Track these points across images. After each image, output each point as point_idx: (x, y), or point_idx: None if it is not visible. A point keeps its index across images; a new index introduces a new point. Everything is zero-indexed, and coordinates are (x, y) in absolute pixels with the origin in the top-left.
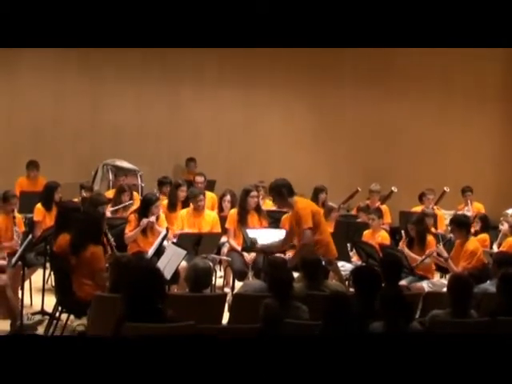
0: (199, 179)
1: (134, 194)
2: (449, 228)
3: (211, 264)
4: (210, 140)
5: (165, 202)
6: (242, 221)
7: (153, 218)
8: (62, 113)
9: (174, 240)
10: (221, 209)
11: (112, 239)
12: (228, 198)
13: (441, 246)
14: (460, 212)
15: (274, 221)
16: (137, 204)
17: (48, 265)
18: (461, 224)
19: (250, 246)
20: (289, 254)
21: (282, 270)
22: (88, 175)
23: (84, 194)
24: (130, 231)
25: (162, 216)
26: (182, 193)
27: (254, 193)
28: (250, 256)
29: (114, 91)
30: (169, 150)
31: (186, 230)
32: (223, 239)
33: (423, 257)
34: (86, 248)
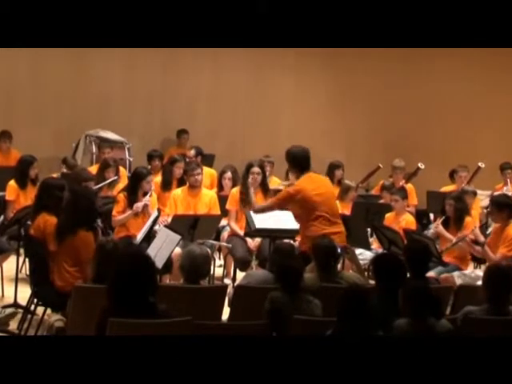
0: (191, 154)
1: (121, 169)
2: (485, 211)
3: (209, 251)
4: (208, 108)
5: (157, 179)
6: (245, 201)
7: (146, 200)
8: (39, 74)
9: (167, 222)
10: (220, 187)
11: (100, 222)
12: (229, 174)
13: (477, 229)
14: (498, 192)
15: None
16: (124, 181)
17: (22, 251)
18: (501, 205)
19: (253, 230)
20: (298, 240)
21: (290, 258)
22: (68, 148)
23: (64, 169)
24: (118, 213)
25: (154, 196)
26: (178, 170)
27: (256, 169)
28: (253, 242)
29: (99, 51)
30: (162, 119)
31: (180, 212)
32: (223, 222)
33: (455, 240)
34: (75, 233)
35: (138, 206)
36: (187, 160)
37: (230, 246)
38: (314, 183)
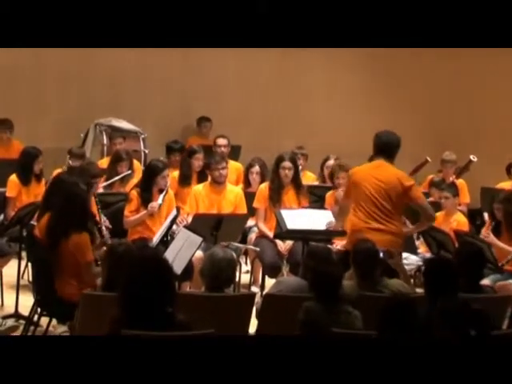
0: (221, 142)
1: (135, 162)
2: None
3: (234, 255)
4: (234, 93)
5: (175, 173)
6: (275, 199)
7: (160, 200)
8: (41, 56)
9: (186, 223)
10: (247, 183)
11: (106, 221)
12: (257, 169)
13: None
14: None
15: (316, 199)
16: (138, 176)
17: (24, 254)
18: None
19: (285, 231)
20: (337, 244)
21: (327, 262)
22: (75, 139)
23: (71, 162)
24: (131, 213)
25: (171, 192)
26: (198, 162)
27: (287, 163)
28: (284, 245)
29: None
30: (181, 105)
31: (202, 211)
32: (250, 222)
33: None
34: (67, 236)
35: (154, 205)
36: (214, 150)
37: (257, 249)
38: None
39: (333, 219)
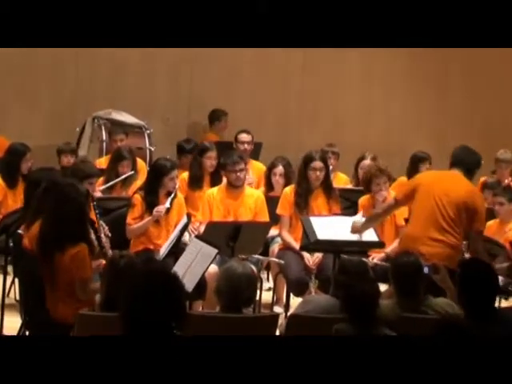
0: (245, 137)
1: (139, 161)
2: None
3: (255, 269)
4: (253, 81)
5: (185, 175)
6: (302, 204)
7: (167, 204)
8: None
9: (199, 232)
10: (270, 186)
11: (106, 229)
12: (280, 169)
13: None
14: None
15: (349, 204)
16: (143, 178)
17: (10, 269)
18: None
19: (313, 241)
20: (373, 256)
21: (361, 279)
22: (69, 135)
23: (65, 161)
24: (134, 220)
25: (181, 196)
26: (210, 161)
27: (318, 163)
28: (313, 258)
29: None
30: (191, 95)
31: (217, 218)
32: (273, 232)
33: None
34: (61, 248)
35: (160, 209)
36: (236, 147)
37: (281, 262)
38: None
39: (359, 220)
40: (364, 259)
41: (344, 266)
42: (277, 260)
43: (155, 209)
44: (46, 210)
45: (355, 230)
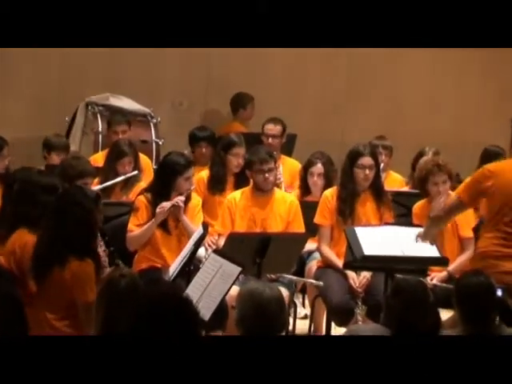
0: (272, 129)
1: (143, 158)
2: None
3: (286, 292)
4: (287, 61)
5: (203, 173)
6: (347, 211)
7: (179, 200)
8: None
9: (218, 246)
10: (306, 189)
11: (107, 238)
12: (319, 168)
13: None
14: None
15: (405, 211)
16: (148, 178)
17: None
18: None
19: (360, 258)
20: (433, 276)
21: (420, 304)
22: (58, 124)
23: (51, 157)
24: (137, 227)
25: (197, 200)
26: (237, 159)
27: (367, 159)
28: (359, 278)
29: None
30: (209, 77)
31: (240, 229)
32: (310, 246)
33: None
34: (63, 264)
35: (164, 205)
36: (264, 140)
37: (320, 283)
38: None
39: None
40: (422, 279)
41: (398, 287)
42: (314, 282)
43: (159, 207)
44: (45, 221)
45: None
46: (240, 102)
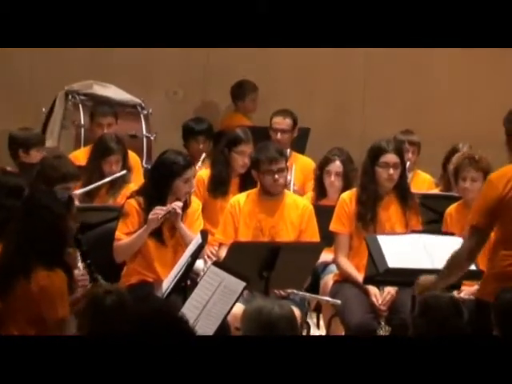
0: (281, 122)
1: (132, 156)
2: None
3: (298, 311)
4: (296, 49)
5: (203, 173)
6: (367, 217)
7: (176, 206)
8: None
9: (219, 257)
10: (321, 191)
11: (84, 249)
12: (337, 166)
13: None
14: None
15: (436, 217)
16: (139, 179)
17: None
18: None
19: (383, 271)
20: (461, 291)
21: (452, 323)
22: (33, 117)
23: (31, 154)
24: (126, 235)
25: (197, 203)
26: (243, 158)
27: (391, 157)
28: (382, 294)
29: None
30: (207, 63)
31: (245, 238)
32: (325, 256)
33: None
34: (28, 275)
35: (158, 211)
36: (271, 134)
37: (337, 301)
38: None
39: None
40: (455, 294)
41: (426, 305)
42: (331, 299)
43: (151, 212)
44: (9, 227)
45: (421, 289)
46: (242, 92)
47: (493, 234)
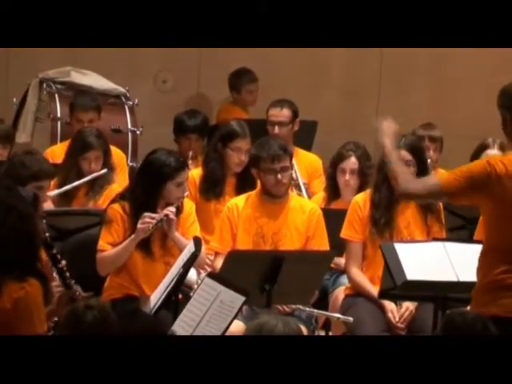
0: (278, 114)
1: (116, 152)
2: None
3: (305, 329)
4: None
5: (194, 173)
6: (383, 222)
7: (170, 212)
8: None
9: (213, 268)
10: (334, 191)
11: (62, 262)
12: (352, 162)
13: None
14: None
15: (461, 223)
16: (123, 180)
17: None
18: None
19: (400, 284)
20: None
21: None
22: (1, 107)
23: None
24: (108, 245)
25: (191, 206)
26: (239, 154)
27: (403, 153)
28: (401, 310)
29: None
30: (202, 49)
31: (244, 246)
32: (337, 260)
33: None
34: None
35: (147, 220)
36: (269, 128)
37: (349, 319)
38: None
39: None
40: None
41: (451, 324)
42: (342, 317)
43: (141, 219)
44: None
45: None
46: (235, 83)
47: (484, 243)
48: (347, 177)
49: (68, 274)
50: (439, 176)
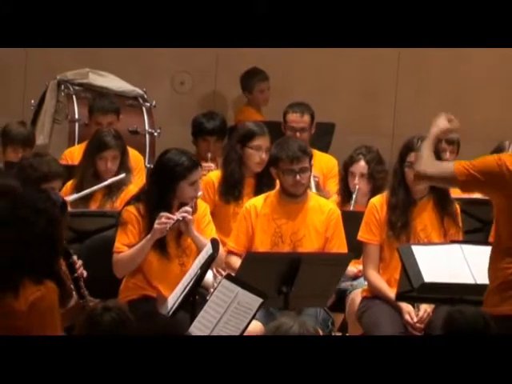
0: (299, 120)
1: (133, 154)
2: None
3: (321, 331)
4: None
5: (212, 175)
6: (400, 225)
7: (186, 212)
8: None
9: (231, 270)
10: (347, 194)
11: (79, 264)
12: (361, 166)
13: None
14: None
15: (478, 225)
16: (140, 181)
17: None
18: None
19: (418, 286)
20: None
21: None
22: (20, 109)
23: (7, 152)
24: (124, 246)
25: (205, 208)
26: (259, 154)
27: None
28: (418, 313)
29: None
30: (219, 50)
31: (261, 247)
32: (352, 269)
33: None
34: (16, 290)
35: (164, 220)
36: (291, 133)
37: (366, 321)
38: None
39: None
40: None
41: (451, 321)
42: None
43: (157, 220)
44: None
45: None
46: (246, 83)
47: (493, 244)
48: (356, 180)
49: (83, 283)
50: (456, 164)
